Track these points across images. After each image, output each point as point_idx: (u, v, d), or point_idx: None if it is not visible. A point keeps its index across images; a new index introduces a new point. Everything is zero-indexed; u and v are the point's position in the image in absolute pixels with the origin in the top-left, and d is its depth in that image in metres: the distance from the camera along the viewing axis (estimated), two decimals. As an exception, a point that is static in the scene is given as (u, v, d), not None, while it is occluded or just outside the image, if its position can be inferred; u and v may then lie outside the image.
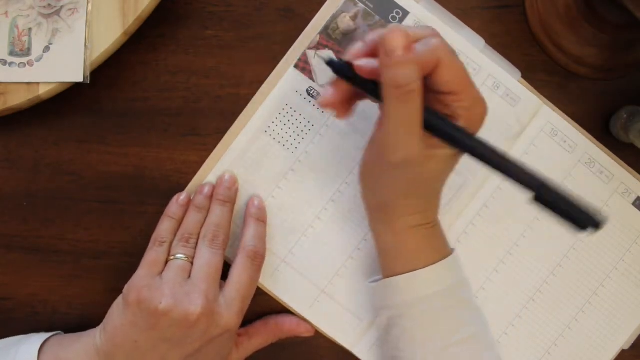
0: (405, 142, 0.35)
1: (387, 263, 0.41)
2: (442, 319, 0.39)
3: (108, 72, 0.46)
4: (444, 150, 0.36)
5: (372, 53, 0.36)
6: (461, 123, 0.35)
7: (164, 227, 0.43)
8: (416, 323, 0.39)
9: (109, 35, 0.43)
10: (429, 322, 0.39)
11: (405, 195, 0.38)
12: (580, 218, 0.29)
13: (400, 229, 0.39)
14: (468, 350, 0.39)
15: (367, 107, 0.41)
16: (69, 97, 0.45)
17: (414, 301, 0.39)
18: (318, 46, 0.46)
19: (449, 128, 0.35)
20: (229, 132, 0.46)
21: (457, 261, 0.41)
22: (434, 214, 0.41)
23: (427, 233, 0.40)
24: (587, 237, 0.47)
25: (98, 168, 0.47)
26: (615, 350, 0.47)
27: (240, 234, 0.44)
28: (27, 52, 0.42)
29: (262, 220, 0.45)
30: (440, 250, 0.40)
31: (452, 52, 0.35)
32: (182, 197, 0.44)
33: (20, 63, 0.42)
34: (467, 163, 0.46)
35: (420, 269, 0.39)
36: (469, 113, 0.35)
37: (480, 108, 0.36)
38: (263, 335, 0.46)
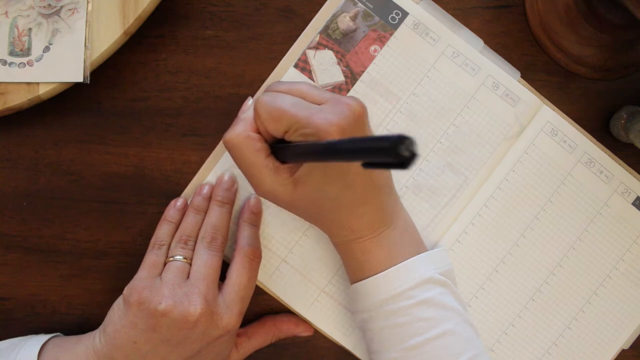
0: (259, 179, 0.39)
1: (349, 271, 0.42)
2: (408, 320, 0.39)
3: (108, 72, 0.46)
4: (303, 171, 0.38)
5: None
6: (312, 139, 0.37)
7: (163, 230, 0.43)
8: (381, 325, 0.40)
9: (109, 35, 0.43)
10: (393, 324, 0.39)
11: (310, 218, 0.41)
12: (387, 147, 0.25)
13: (338, 244, 0.41)
14: (439, 348, 0.39)
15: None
16: (69, 97, 0.45)
17: (375, 305, 0.40)
18: (318, 46, 0.46)
19: (297, 149, 0.36)
20: (229, 132, 0.46)
21: (417, 264, 0.40)
22: (356, 230, 0.40)
23: (371, 243, 0.40)
24: (587, 237, 0.47)
25: (98, 168, 0.47)
26: (615, 350, 0.47)
27: (236, 236, 0.44)
28: (27, 52, 0.42)
29: (256, 225, 0.45)
30: (395, 255, 0.40)
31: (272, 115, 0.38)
32: (179, 202, 0.45)
33: (20, 63, 0.42)
34: (467, 163, 0.46)
35: (374, 275, 0.40)
36: (313, 130, 0.37)
37: (315, 124, 0.36)
38: (262, 335, 0.46)
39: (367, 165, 0.27)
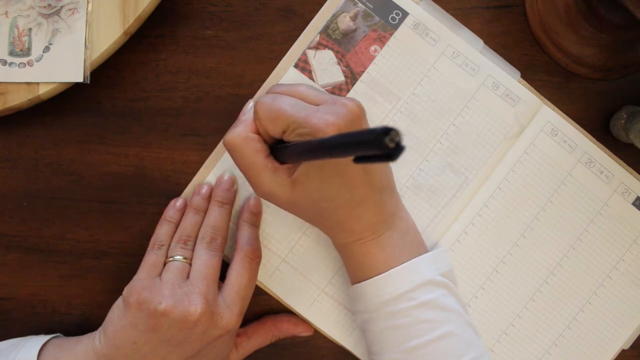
0: (258, 179, 0.39)
1: (350, 271, 0.42)
2: (409, 321, 0.39)
3: (108, 72, 0.46)
4: (300, 171, 0.38)
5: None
6: (309, 138, 0.37)
7: (162, 231, 0.43)
8: (382, 326, 0.40)
9: (109, 35, 0.43)
10: (394, 325, 0.39)
11: (310, 220, 0.41)
12: (371, 139, 0.26)
13: (339, 246, 0.41)
14: (440, 350, 0.39)
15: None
16: (69, 97, 0.45)
17: (376, 306, 0.40)
18: (318, 46, 0.46)
19: (293, 148, 0.37)
20: (229, 132, 0.46)
21: (418, 265, 0.40)
22: (357, 232, 0.40)
23: (371, 245, 0.40)
24: (587, 237, 0.47)
25: (98, 168, 0.47)
26: (615, 350, 0.47)
27: (235, 236, 0.44)
28: (27, 52, 0.42)
29: (255, 225, 0.45)
30: (396, 257, 0.40)
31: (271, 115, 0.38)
32: (178, 202, 0.45)
33: (20, 63, 0.42)
34: (467, 163, 0.46)
35: (375, 276, 0.40)
36: (311, 130, 0.37)
37: (312, 123, 0.36)
38: (262, 335, 0.46)
39: (358, 160, 0.27)
